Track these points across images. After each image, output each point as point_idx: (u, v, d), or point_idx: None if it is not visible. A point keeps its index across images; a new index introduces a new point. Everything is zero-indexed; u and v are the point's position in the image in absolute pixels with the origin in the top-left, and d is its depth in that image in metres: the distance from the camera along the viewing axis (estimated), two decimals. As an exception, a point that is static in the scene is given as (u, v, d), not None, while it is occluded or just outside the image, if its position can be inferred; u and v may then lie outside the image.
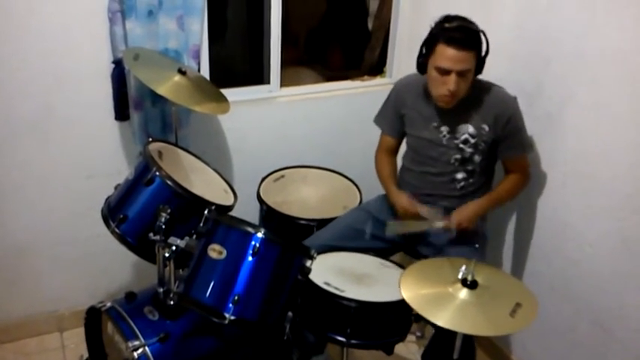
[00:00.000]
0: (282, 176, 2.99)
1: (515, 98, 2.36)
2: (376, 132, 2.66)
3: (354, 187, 2.95)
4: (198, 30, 2.65)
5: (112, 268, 2.95)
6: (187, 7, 2.59)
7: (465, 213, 2.36)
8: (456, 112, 2.35)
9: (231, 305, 1.87)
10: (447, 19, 2.22)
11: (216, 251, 1.91)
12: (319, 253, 2.25)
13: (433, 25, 2.24)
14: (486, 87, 2.36)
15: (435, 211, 2.38)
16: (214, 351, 2.24)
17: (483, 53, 2.25)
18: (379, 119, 2.63)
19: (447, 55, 2.18)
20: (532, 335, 2.65)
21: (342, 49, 4.32)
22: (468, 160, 2.39)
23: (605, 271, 2.30)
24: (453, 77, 2.20)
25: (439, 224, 2.34)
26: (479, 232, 2.43)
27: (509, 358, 2.84)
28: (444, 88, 2.23)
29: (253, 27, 3.49)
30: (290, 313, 1.99)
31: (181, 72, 2.46)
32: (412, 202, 2.42)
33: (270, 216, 2.75)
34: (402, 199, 2.44)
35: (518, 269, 2.74)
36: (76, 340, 2.86)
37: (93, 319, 2.34)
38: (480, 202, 2.40)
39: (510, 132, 2.34)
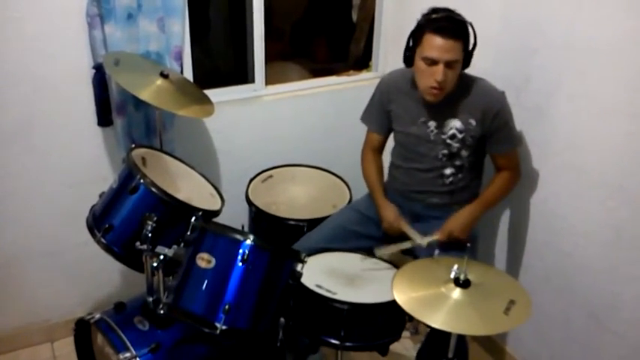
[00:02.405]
0: (271, 176, 2.95)
1: (503, 92, 2.33)
2: (364, 127, 2.62)
3: (344, 185, 2.92)
4: (180, 31, 2.60)
5: (101, 276, 2.91)
6: (167, 9, 2.53)
7: (457, 223, 2.33)
8: (443, 107, 2.32)
9: (222, 315, 1.84)
10: (435, 10, 2.19)
11: (204, 260, 1.88)
12: (310, 254, 2.23)
13: (420, 17, 2.21)
14: (473, 81, 2.34)
15: (419, 233, 2.34)
16: (207, 359, 2.21)
17: (471, 46, 2.23)
18: (366, 117, 2.60)
19: (434, 44, 2.15)
20: (527, 328, 2.64)
21: (327, 41, 4.29)
22: (455, 156, 2.37)
23: (598, 263, 2.29)
24: (440, 68, 2.17)
25: (430, 239, 2.30)
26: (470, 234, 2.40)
27: (504, 351, 2.84)
28: (431, 79, 2.20)
29: (235, 25, 3.44)
30: (282, 319, 1.97)
31: (164, 75, 2.41)
32: (398, 218, 2.40)
33: (259, 217, 2.72)
34: (389, 214, 2.42)
35: (511, 263, 2.72)
36: (67, 349, 2.82)
37: (82, 330, 2.31)
38: (470, 210, 2.36)
39: (499, 126, 2.31)
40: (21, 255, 2.74)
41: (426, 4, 2.26)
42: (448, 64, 2.17)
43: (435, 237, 2.31)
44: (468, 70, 2.30)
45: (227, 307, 1.84)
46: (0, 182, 2.58)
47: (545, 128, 2.41)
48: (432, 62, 2.18)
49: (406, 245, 2.34)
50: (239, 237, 1.88)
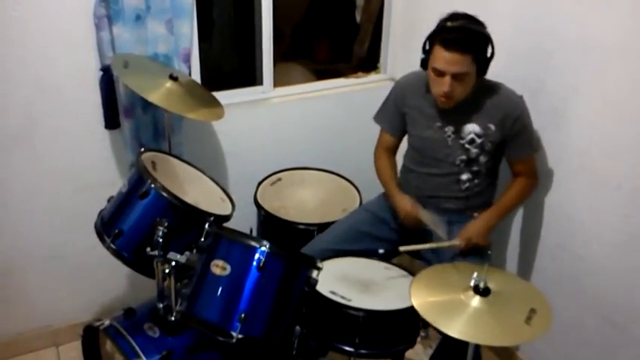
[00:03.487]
0: (279, 179, 2.92)
1: (521, 97, 2.30)
2: (373, 130, 2.59)
3: (353, 189, 2.88)
4: (188, 33, 2.56)
5: (107, 280, 2.87)
6: (176, 10, 2.49)
7: (475, 230, 2.29)
8: (460, 112, 2.29)
9: (237, 323, 1.80)
10: (452, 17, 2.15)
11: (219, 267, 1.84)
12: (323, 258, 2.20)
13: (438, 21, 2.18)
14: (492, 86, 2.31)
15: (438, 219, 2.32)
16: (219, 366, 2.18)
17: (489, 54, 2.19)
18: (380, 117, 2.57)
19: (441, 57, 2.13)
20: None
21: (329, 42, 4.25)
22: (473, 161, 2.34)
23: (612, 267, 2.27)
24: (447, 79, 2.16)
25: (447, 244, 2.28)
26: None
27: (515, 355, 2.81)
28: (440, 89, 2.20)
29: (241, 26, 3.39)
30: (298, 328, 1.94)
31: (173, 78, 2.38)
32: (414, 206, 2.37)
33: (268, 221, 2.69)
34: (404, 203, 2.39)
35: (524, 266, 2.70)
36: (72, 354, 2.80)
37: (90, 336, 2.27)
38: (488, 216, 2.33)
39: (518, 132, 2.29)
40: (25, 259, 2.70)
41: (435, 6, 2.23)
42: (455, 76, 2.15)
43: (455, 243, 2.28)
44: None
45: (243, 315, 1.80)
46: (4, 185, 2.54)
47: (560, 131, 2.38)
48: (440, 73, 2.16)
49: (429, 245, 2.31)
50: (255, 244, 1.85)
